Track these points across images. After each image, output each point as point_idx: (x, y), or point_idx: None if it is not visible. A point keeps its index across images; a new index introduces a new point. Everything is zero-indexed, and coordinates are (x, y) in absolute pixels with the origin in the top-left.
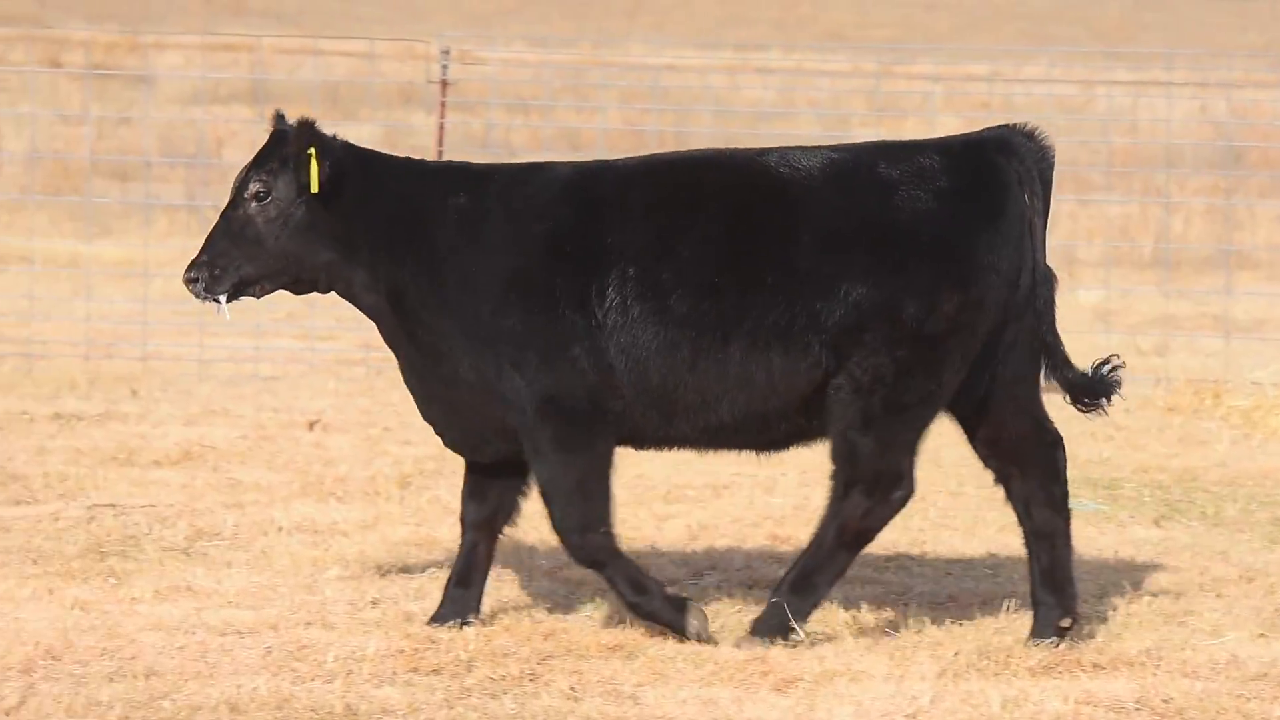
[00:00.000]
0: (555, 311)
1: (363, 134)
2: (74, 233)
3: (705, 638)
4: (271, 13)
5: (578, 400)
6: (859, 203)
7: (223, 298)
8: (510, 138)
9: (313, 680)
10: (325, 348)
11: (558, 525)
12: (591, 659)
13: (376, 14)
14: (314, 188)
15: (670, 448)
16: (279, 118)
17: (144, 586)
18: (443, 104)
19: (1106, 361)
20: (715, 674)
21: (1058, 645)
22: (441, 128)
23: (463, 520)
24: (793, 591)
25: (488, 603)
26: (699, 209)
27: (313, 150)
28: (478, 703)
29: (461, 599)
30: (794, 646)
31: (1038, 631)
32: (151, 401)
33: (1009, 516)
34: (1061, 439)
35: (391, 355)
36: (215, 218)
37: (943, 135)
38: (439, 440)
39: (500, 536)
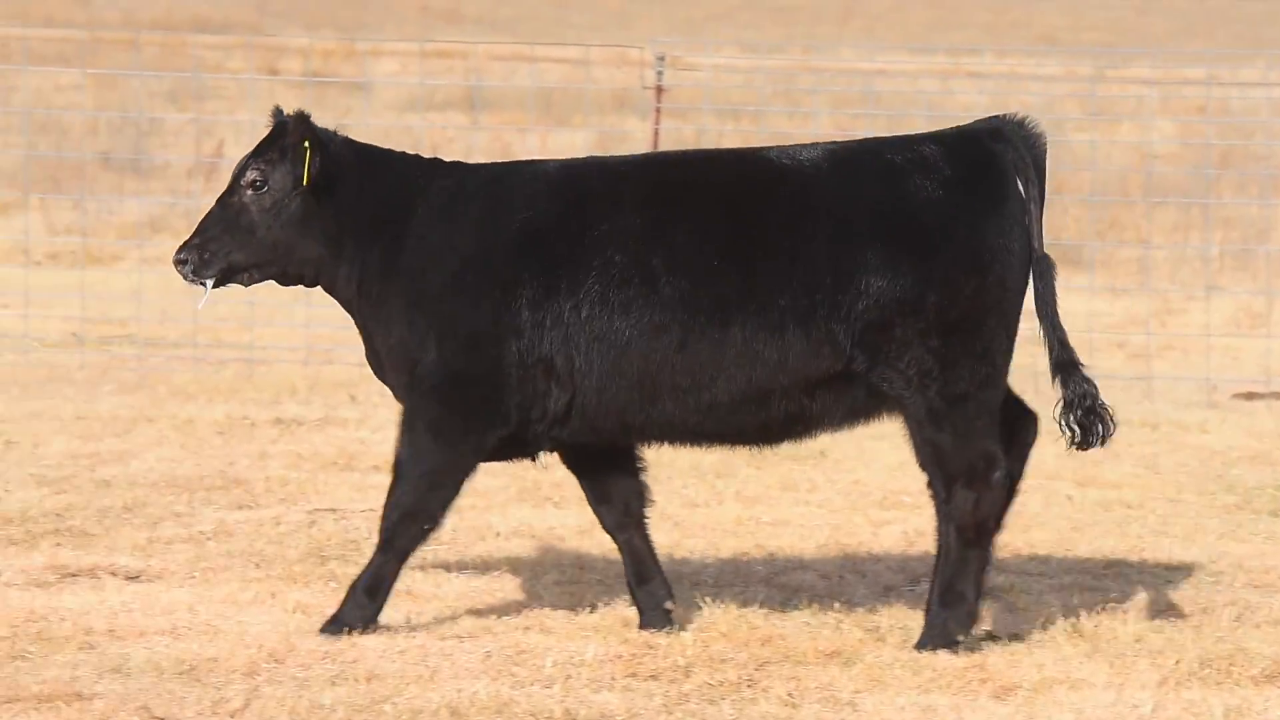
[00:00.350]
0: (507, 302)
1: (576, 140)
2: None
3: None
4: (486, 20)
5: (475, 396)
6: (869, 192)
7: (209, 282)
8: (722, 143)
9: (532, 685)
10: None
11: (391, 499)
12: (809, 665)
13: (589, 21)
14: (305, 180)
15: (652, 436)
16: (278, 111)
17: None
18: (657, 110)
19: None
20: (933, 681)
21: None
22: (656, 133)
23: (605, 528)
24: (944, 605)
25: (705, 611)
26: (691, 200)
27: (307, 143)
28: (695, 708)
29: (650, 593)
30: (957, 653)
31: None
32: (370, 406)
33: (1230, 523)
34: (1035, 415)
35: None
36: None
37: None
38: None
39: (646, 520)
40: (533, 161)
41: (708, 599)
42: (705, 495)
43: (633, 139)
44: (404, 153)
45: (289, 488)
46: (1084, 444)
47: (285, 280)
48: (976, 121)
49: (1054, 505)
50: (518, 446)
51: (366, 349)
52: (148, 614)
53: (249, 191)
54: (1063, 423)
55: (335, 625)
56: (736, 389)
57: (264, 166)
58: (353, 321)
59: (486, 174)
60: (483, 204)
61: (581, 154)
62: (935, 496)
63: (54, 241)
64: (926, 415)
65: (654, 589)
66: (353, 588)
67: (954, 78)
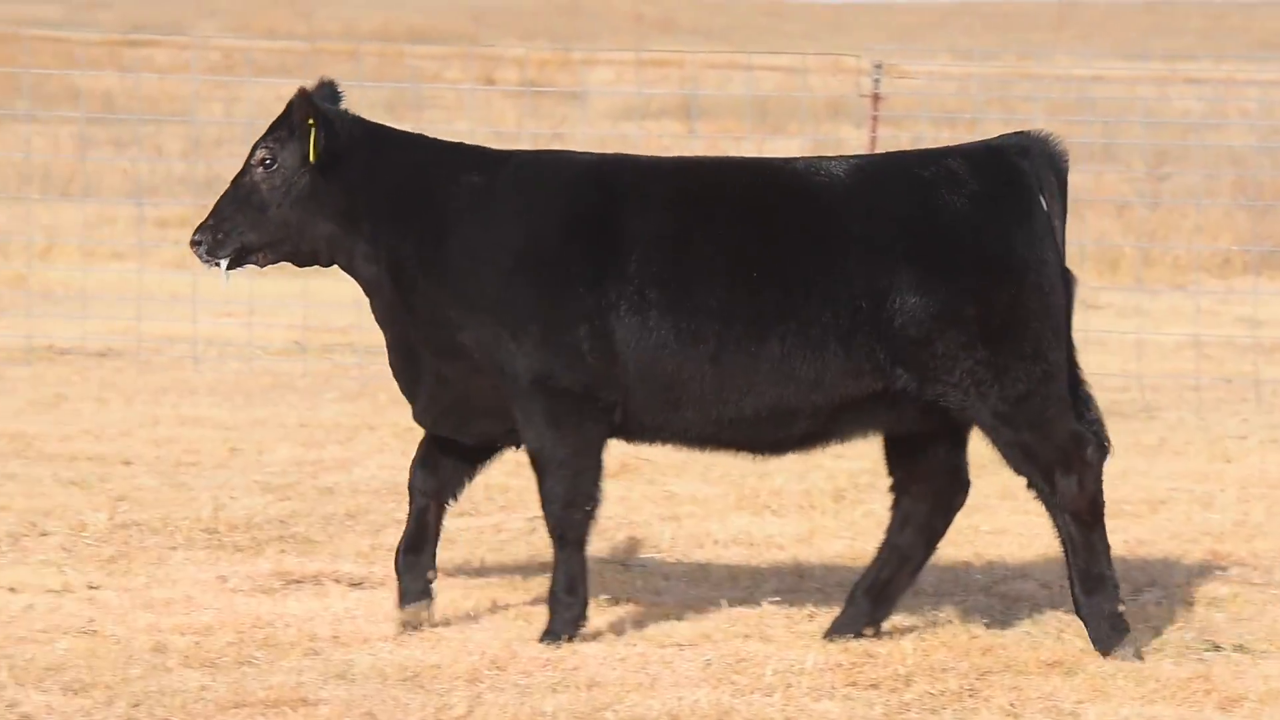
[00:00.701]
0: (566, 290)
1: (791, 147)
2: None
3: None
4: (701, 30)
5: (572, 380)
6: (899, 207)
7: (223, 263)
8: None
9: (752, 693)
10: None
11: (544, 494)
12: (1030, 675)
13: (803, 29)
14: (312, 157)
15: (672, 441)
16: (301, 91)
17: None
18: (874, 118)
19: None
20: (1157, 692)
21: (843, 642)
22: (873, 141)
23: (411, 487)
24: (1089, 595)
25: (925, 620)
26: (723, 202)
27: (312, 121)
28: (916, 718)
29: (415, 565)
30: (1136, 645)
31: (837, 627)
32: None
33: None
34: (969, 484)
35: None
36: None
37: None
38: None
39: (446, 508)
40: (564, 152)
41: (927, 608)
42: None
43: (848, 147)
44: (419, 135)
45: (509, 495)
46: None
47: (300, 260)
48: (1002, 136)
49: (1277, 515)
50: None
51: (388, 342)
52: (371, 620)
53: (259, 170)
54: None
55: (552, 636)
56: (764, 405)
57: (273, 145)
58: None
59: (518, 163)
60: (525, 195)
61: None
62: (1040, 493)
63: None
64: (996, 420)
65: (419, 563)
66: (552, 594)
67: (1171, 84)
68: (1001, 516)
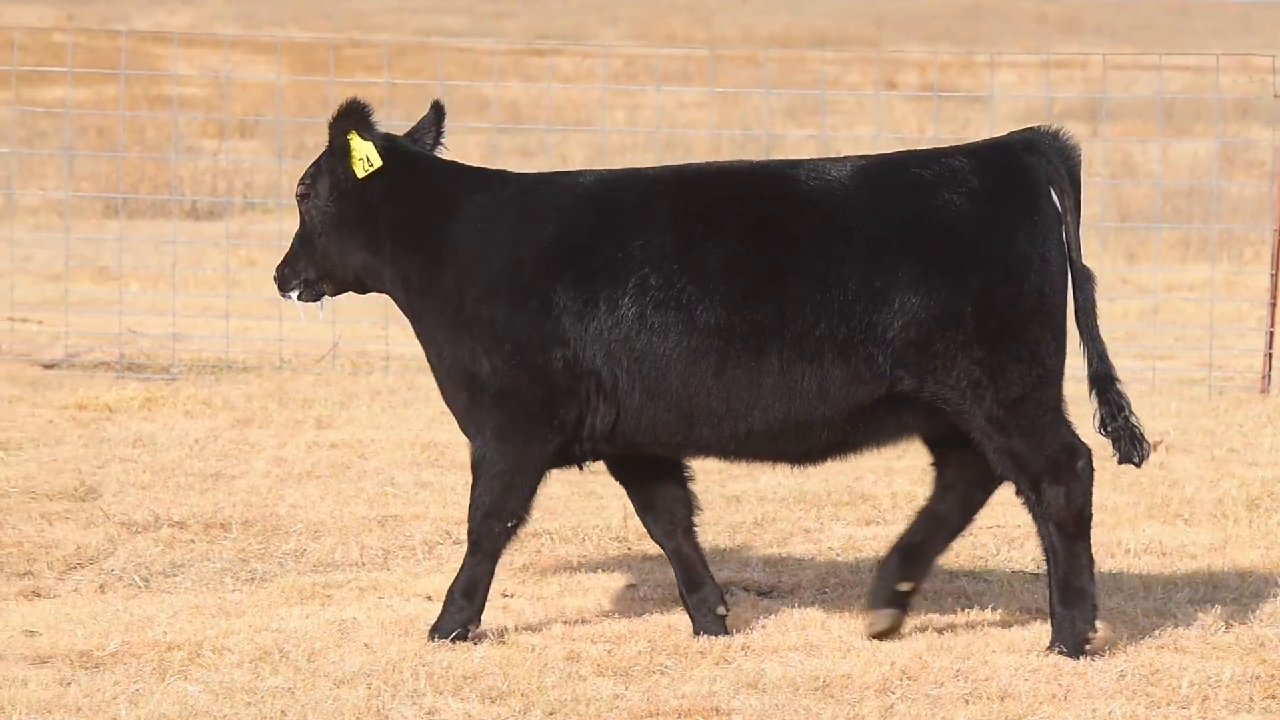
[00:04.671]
0: (545, 312)
1: (1199, 149)
2: None
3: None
4: (1105, 30)
5: (532, 401)
6: (899, 209)
7: (292, 295)
8: None
9: (1168, 705)
10: (1165, 367)
11: (472, 499)
12: None
13: (1210, 27)
14: (358, 171)
15: (696, 454)
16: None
17: (994, 608)
18: None
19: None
20: None
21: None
22: None
23: (652, 537)
24: (1066, 605)
25: None
26: (727, 219)
27: (353, 134)
28: None
29: (702, 600)
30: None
31: (871, 597)
32: None
33: None
34: (997, 481)
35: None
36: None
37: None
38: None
39: (693, 528)
40: (567, 173)
41: None
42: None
43: (1257, 149)
44: (439, 158)
45: (916, 503)
46: (1124, 458)
47: (357, 288)
48: (1011, 133)
49: None
50: (563, 456)
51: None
52: (781, 629)
53: (302, 204)
54: (1103, 434)
55: (438, 631)
56: (774, 420)
57: (310, 179)
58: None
59: (520, 185)
60: (516, 216)
61: (1204, 165)
62: (1026, 500)
63: None
64: (990, 424)
65: (705, 595)
66: (450, 592)
67: None
68: None
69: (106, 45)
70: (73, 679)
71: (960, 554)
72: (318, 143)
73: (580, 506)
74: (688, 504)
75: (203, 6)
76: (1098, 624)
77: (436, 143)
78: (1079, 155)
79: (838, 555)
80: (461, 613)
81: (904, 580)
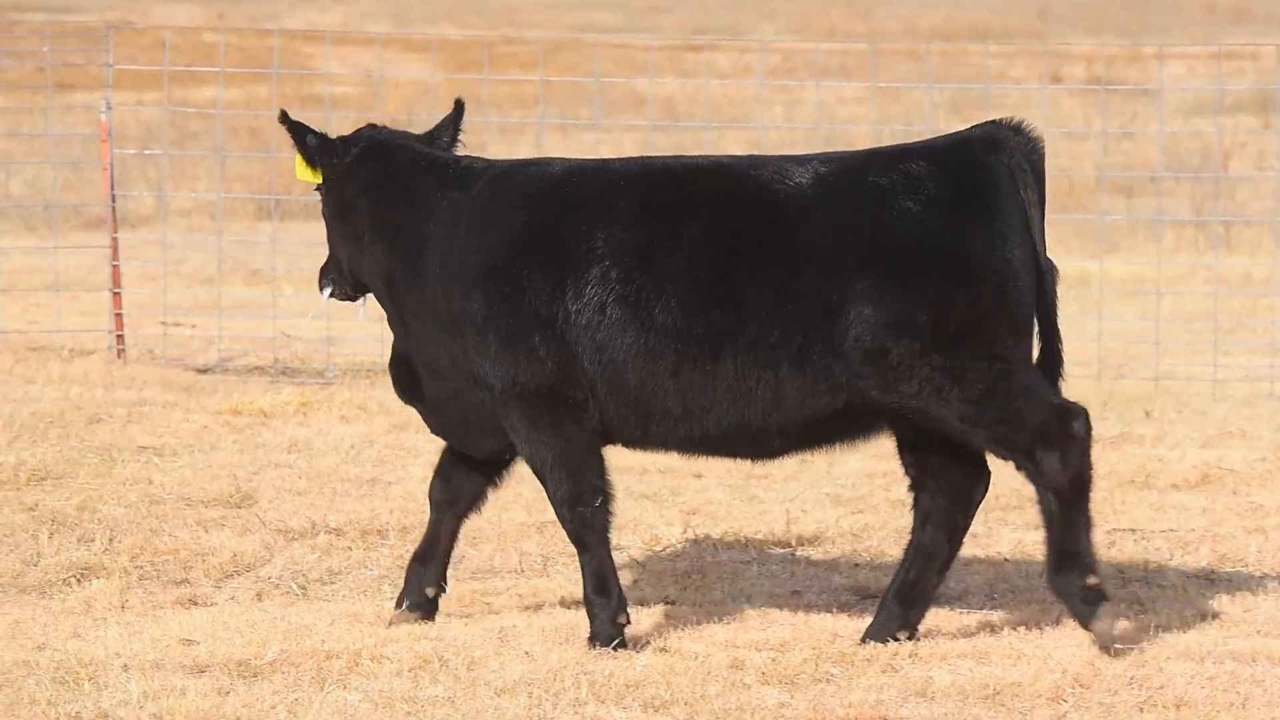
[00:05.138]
0: (519, 302)
1: None
2: (1081, 250)
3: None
4: (1276, 19)
5: (539, 384)
6: (854, 219)
7: (325, 292)
8: None
9: None
10: None
11: (551, 498)
12: None
13: None
14: (297, 174)
15: (656, 450)
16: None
17: (1168, 614)
18: None
19: None
20: None
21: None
22: None
23: (430, 498)
24: (1058, 572)
25: None
26: (686, 219)
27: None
28: None
29: (419, 575)
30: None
31: (871, 632)
32: (1166, 423)
33: None
34: (989, 474)
35: None
36: (1223, 233)
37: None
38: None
39: (463, 520)
40: (536, 161)
41: None
42: None
43: None
44: (419, 149)
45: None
46: None
47: (359, 289)
48: (973, 128)
49: None
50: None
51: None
52: (949, 636)
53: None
54: None
55: (597, 639)
56: (729, 423)
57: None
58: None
59: (494, 174)
60: (490, 208)
61: None
62: (1026, 472)
63: None
64: (964, 421)
65: (428, 571)
66: (586, 598)
67: None
68: None
69: (257, 44)
70: (231, 688)
71: (1132, 558)
72: (472, 142)
73: (742, 511)
74: (481, 498)
75: (354, 4)
76: (1091, 578)
77: (454, 140)
78: (1042, 148)
79: (1006, 560)
80: (605, 610)
81: (903, 627)
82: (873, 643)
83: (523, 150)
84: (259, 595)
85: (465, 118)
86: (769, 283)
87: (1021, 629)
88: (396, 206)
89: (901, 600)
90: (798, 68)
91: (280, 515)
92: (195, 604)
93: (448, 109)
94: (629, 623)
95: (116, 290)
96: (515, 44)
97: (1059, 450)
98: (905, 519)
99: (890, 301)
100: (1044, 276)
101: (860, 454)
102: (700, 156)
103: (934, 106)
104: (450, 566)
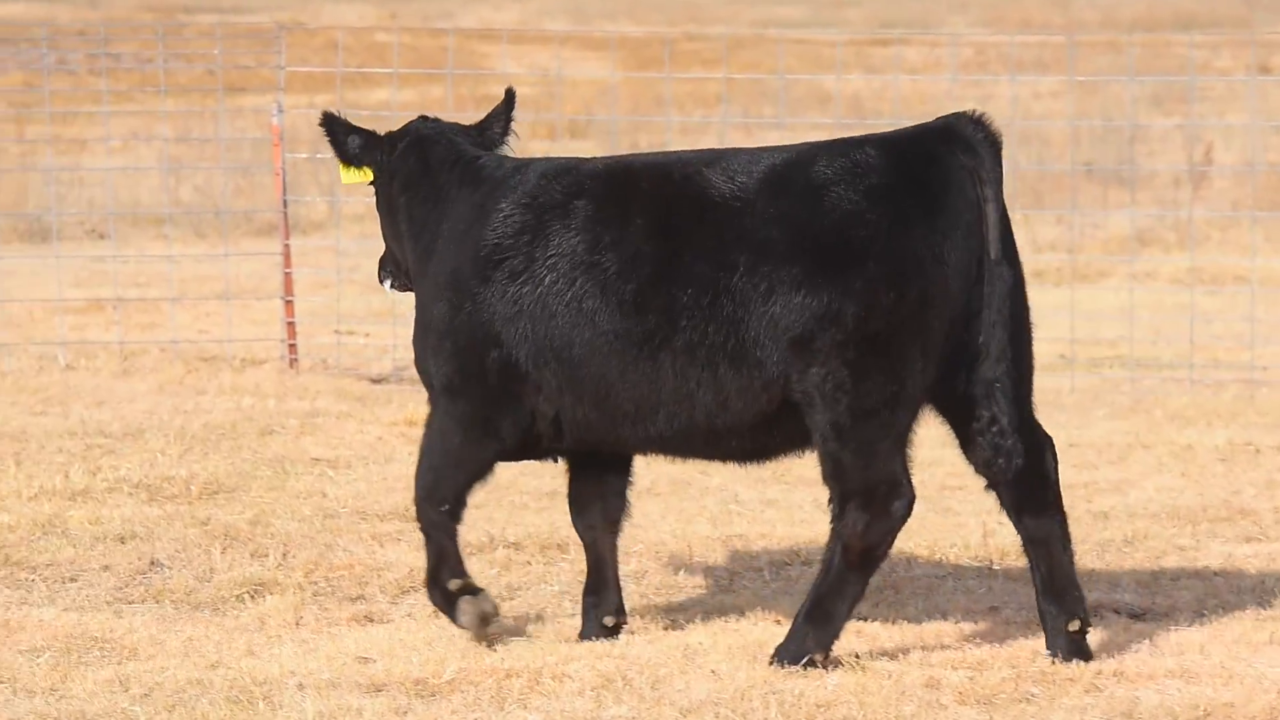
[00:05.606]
0: (479, 309)
1: None
2: None
3: (476, 631)
4: None
5: (467, 402)
6: (791, 209)
7: (387, 284)
8: None
9: None
10: None
11: (415, 484)
12: None
13: None
14: (344, 180)
15: (635, 452)
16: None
17: None
18: None
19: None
20: None
21: (1069, 656)
22: None
23: (576, 529)
24: (808, 620)
25: None
26: (633, 222)
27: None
28: None
29: (594, 607)
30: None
31: (1050, 643)
32: None
33: None
34: (1049, 439)
35: None
36: None
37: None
38: None
39: (617, 534)
40: (528, 161)
41: None
42: None
43: None
44: (459, 146)
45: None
46: (983, 465)
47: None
48: (934, 120)
49: None
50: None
51: None
52: (1156, 655)
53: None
54: (980, 440)
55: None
56: (680, 425)
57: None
58: None
59: (503, 173)
60: (471, 203)
61: None
62: (831, 515)
63: (1039, 259)
64: (831, 429)
65: (603, 599)
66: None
67: None
68: None
69: (431, 44)
70: (409, 708)
71: None
72: (652, 142)
73: (936, 524)
74: (620, 504)
75: (530, 2)
76: (824, 657)
77: (505, 131)
78: (1001, 142)
79: (1216, 575)
80: (446, 603)
81: (1071, 620)
82: (1051, 653)
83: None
84: (436, 612)
85: (644, 115)
86: (704, 279)
87: (1233, 647)
88: (424, 204)
89: (1052, 596)
90: (991, 61)
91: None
92: (371, 620)
93: (628, 109)
94: (496, 613)
95: (289, 298)
96: (697, 40)
97: (869, 516)
98: (1107, 531)
99: (819, 290)
100: (995, 279)
101: (1059, 462)
102: (664, 152)
103: (1134, 100)
104: (636, 581)
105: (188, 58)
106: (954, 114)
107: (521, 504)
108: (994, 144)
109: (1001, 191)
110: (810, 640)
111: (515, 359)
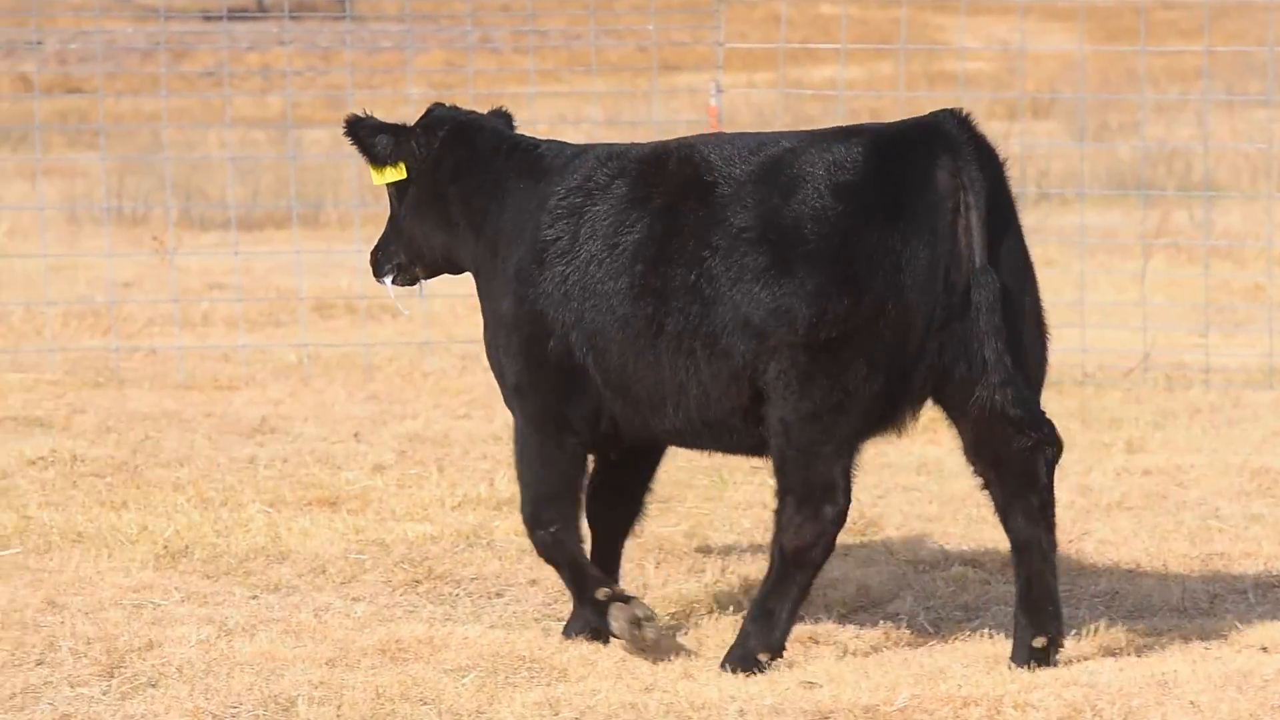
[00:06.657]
0: (539, 298)
1: None
2: None
3: (630, 637)
4: None
5: (538, 398)
6: (766, 201)
7: (387, 280)
8: None
9: None
10: None
11: (521, 515)
12: None
13: None
14: (375, 182)
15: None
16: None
17: None
18: None
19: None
20: None
21: (1033, 668)
22: None
23: (588, 517)
24: (754, 621)
25: None
26: (651, 203)
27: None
28: None
29: (1022, 627)
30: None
31: (1014, 654)
32: None
33: None
34: (1044, 442)
35: None
36: None
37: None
38: None
39: (633, 534)
40: (586, 148)
41: None
42: None
43: None
44: (504, 133)
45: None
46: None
47: (451, 269)
48: (921, 116)
49: None
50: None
51: None
52: None
53: (391, 190)
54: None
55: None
56: (683, 420)
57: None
58: None
59: (563, 160)
60: (533, 193)
61: None
62: (774, 511)
63: None
64: (779, 425)
65: (1030, 619)
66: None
67: None
68: None
69: (880, 17)
70: None
71: None
72: (1122, 122)
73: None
74: (640, 504)
75: None
76: (770, 658)
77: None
78: (990, 143)
79: None
80: (596, 616)
81: (1037, 635)
82: (1013, 665)
83: (1180, 130)
84: (886, 634)
85: (1114, 92)
86: (689, 271)
87: None
88: (482, 194)
89: (1025, 607)
90: None
91: (909, 544)
92: (816, 641)
93: (1096, 86)
94: (651, 617)
95: None
96: (1175, 9)
97: (801, 517)
98: None
99: (778, 286)
100: (979, 284)
101: None
102: (696, 136)
103: None
104: (1106, 603)
105: (618, 34)
106: (940, 111)
107: (979, 517)
108: (981, 144)
109: (995, 194)
110: (754, 641)
111: (568, 345)
